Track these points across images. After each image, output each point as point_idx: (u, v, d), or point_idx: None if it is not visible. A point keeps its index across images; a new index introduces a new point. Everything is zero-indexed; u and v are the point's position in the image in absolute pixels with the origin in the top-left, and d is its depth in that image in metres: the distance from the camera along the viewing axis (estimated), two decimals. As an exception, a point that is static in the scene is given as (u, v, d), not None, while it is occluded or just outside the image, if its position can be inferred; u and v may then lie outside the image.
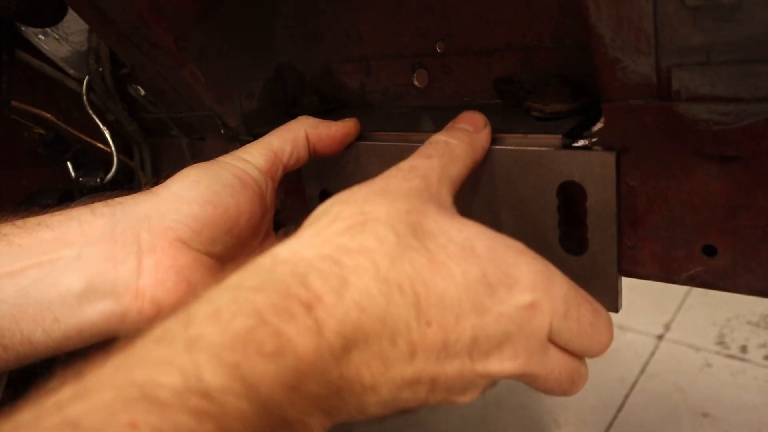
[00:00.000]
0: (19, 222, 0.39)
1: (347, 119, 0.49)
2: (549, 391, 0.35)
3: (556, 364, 0.34)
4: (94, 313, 0.37)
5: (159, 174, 0.75)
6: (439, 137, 0.40)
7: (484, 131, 0.41)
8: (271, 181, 0.45)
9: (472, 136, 0.40)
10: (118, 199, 0.41)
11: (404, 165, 0.37)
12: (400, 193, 0.33)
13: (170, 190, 0.41)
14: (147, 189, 0.42)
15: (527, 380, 0.34)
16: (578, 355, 0.36)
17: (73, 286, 0.37)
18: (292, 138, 0.46)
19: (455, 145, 0.39)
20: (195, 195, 0.40)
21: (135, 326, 0.38)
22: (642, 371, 1.29)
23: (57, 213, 0.40)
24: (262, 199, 0.44)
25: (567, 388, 0.35)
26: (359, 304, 0.27)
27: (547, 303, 0.32)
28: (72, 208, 0.40)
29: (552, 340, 0.34)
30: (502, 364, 0.32)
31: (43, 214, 0.40)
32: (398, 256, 0.29)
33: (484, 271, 0.31)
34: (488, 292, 0.31)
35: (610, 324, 0.36)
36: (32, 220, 0.39)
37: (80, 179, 0.68)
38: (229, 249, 0.43)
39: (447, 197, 0.36)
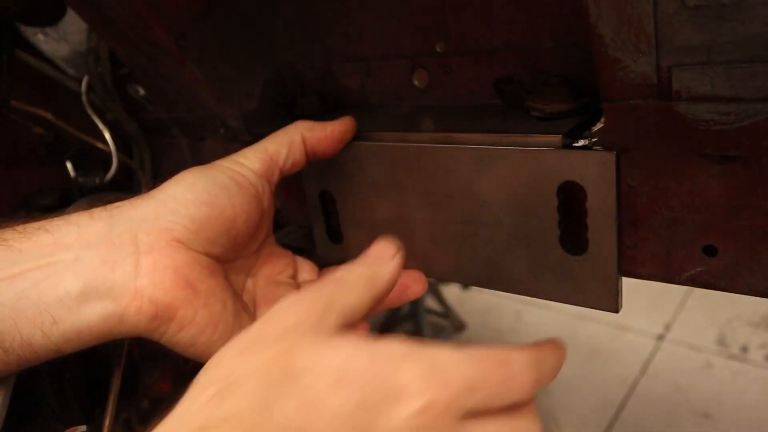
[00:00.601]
0: (20, 227, 0.40)
1: (343, 117, 0.49)
2: None
3: None
4: (93, 314, 0.38)
5: (159, 174, 0.75)
6: (336, 273, 0.38)
7: (392, 262, 0.40)
8: (268, 183, 0.46)
9: (373, 268, 0.39)
10: (116, 204, 0.42)
11: (290, 298, 0.35)
12: (276, 336, 0.33)
13: (166, 192, 0.42)
14: (144, 193, 0.42)
15: None
16: (522, 412, 0.34)
17: (71, 288, 0.37)
18: (288, 141, 0.47)
19: (351, 279, 0.37)
20: (191, 197, 0.41)
21: (134, 326, 0.39)
22: (642, 372, 1.29)
23: (57, 218, 0.40)
24: (259, 202, 0.45)
25: None
26: None
27: (443, 395, 0.31)
28: (71, 212, 0.41)
29: (477, 416, 0.32)
30: None
31: (44, 218, 0.40)
32: (268, 409, 0.29)
33: (364, 394, 0.30)
34: (372, 415, 0.30)
35: (527, 366, 0.33)
36: (32, 225, 0.40)
37: (80, 179, 0.68)
38: (228, 251, 0.43)
39: (332, 327, 0.34)
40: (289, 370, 0.31)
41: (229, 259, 0.45)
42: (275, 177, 0.46)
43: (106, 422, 0.55)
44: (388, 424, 0.30)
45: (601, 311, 0.43)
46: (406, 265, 0.52)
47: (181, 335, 0.40)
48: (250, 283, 0.49)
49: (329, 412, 0.29)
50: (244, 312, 0.44)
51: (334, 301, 0.35)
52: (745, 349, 1.26)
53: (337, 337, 0.33)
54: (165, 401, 0.73)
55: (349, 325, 0.36)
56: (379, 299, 0.39)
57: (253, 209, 0.44)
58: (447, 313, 2.07)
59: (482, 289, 0.53)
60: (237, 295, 0.45)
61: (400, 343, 0.32)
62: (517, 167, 0.42)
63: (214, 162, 0.45)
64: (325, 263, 0.56)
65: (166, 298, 0.38)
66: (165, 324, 0.39)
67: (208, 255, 0.42)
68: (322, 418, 0.29)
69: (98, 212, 0.41)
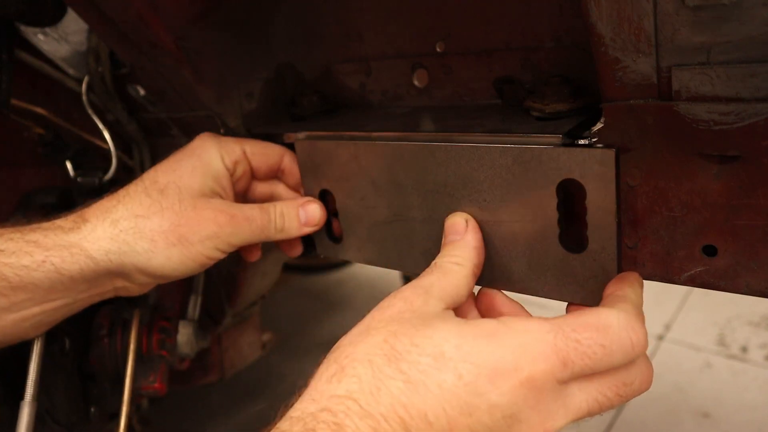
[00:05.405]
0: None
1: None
2: (602, 412, 0.36)
3: (586, 399, 0.35)
4: None
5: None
6: (434, 261, 0.43)
7: (468, 232, 0.44)
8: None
9: (458, 245, 0.44)
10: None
11: (395, 292, 0.40)
12: (381, 324, 0.37)
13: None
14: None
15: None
16: (627, 367, 0.36)
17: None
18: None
19: (444, 262, 0.42)
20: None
21: None
22: (642, 371, 1.29)
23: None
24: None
25: (617, 402, 0.36)
26: None
27: (539, 369, 0.33)
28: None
29: (580, 378, 0.35)
30: None
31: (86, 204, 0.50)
32: (376, 388, 0.33)
33: (459, 373, 0.33)
34: (469, 391, 0.33)
35: (625, 328, 0.35)
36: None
37: (79, 179, 0.68)
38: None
39: (436, 308, 0.38)
40: (392, 353, 0.35)
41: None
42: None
43: (122, 420, 0.55)
44: (487, 398, 0.33)
45: (601, 311, 0.43)
46: (405, 266, 0.52)
47: None
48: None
49: (430, 390, 0.33)
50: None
51: (432, 288, 0.39)
52: (744, 349, 1.26)
53: (435, 320, 0.37)
54: (162, 401, 0.73)
55: (456, 306, 0.40)
56: (479, 268, 0.43)
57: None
58: (447, 313, 2.06)
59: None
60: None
61: (489, 322, 0.36)
62: (517, 165, 0.42)
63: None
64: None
65: None
66: None
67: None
68: (424, 396, 0.33)
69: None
